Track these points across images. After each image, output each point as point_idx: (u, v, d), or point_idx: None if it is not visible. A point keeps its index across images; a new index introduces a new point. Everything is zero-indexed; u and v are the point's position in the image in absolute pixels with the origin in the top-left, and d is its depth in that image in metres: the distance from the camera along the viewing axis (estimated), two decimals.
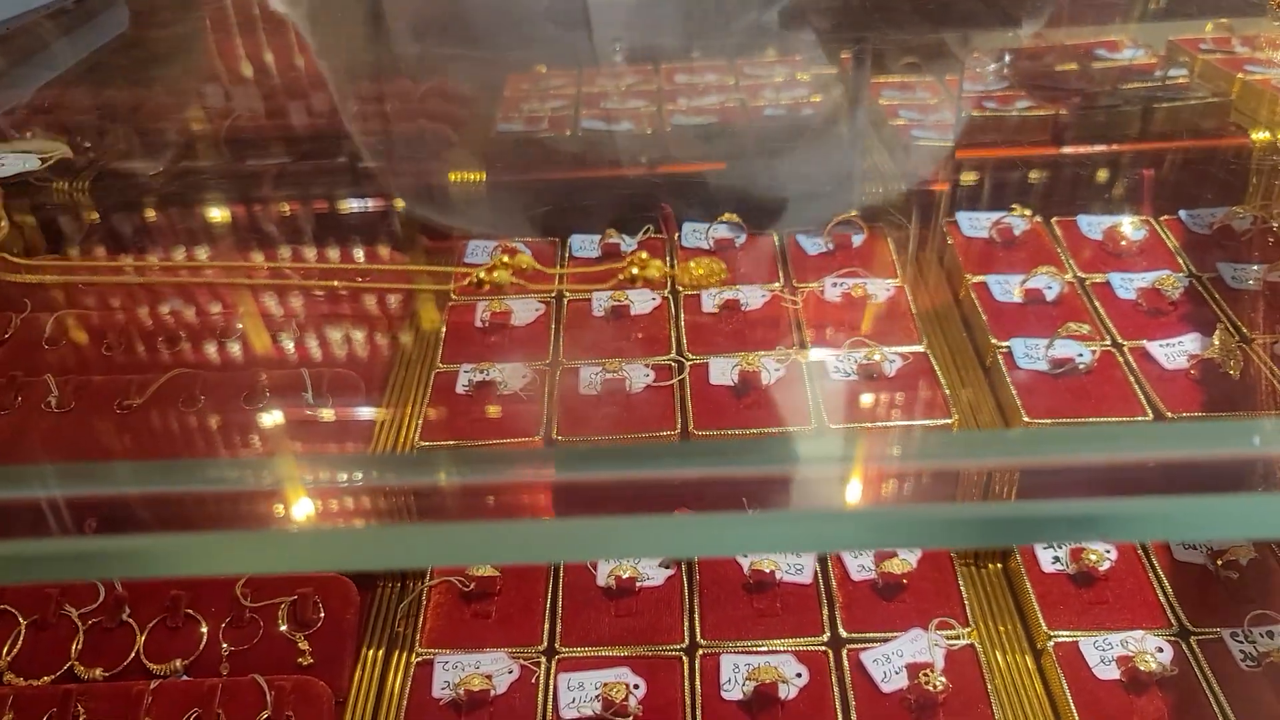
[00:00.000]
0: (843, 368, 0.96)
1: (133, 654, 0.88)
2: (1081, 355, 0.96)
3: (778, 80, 1.52)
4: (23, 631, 0.89)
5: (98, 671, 0.87)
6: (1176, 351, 0.97)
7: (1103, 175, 1.26)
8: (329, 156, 1.37)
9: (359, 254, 1.20)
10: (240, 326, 1.07)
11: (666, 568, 0.92)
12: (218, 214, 1.32)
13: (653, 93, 1.53)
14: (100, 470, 0.75)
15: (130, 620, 0.90)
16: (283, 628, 0.89)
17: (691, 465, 0.80)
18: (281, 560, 0.69)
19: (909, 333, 1.01)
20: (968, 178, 1.25)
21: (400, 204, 1.30)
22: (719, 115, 1.43)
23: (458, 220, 1.31)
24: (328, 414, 0.97)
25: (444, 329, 1.05)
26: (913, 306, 1.05)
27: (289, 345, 1.05)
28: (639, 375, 0.97)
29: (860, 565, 0.91)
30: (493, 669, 0.84)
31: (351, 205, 1.29)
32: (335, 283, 1.13)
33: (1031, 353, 0.97)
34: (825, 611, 0.88)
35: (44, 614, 0.90)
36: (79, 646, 0.88)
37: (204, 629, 0.89)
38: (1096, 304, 1.04)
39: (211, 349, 1.05)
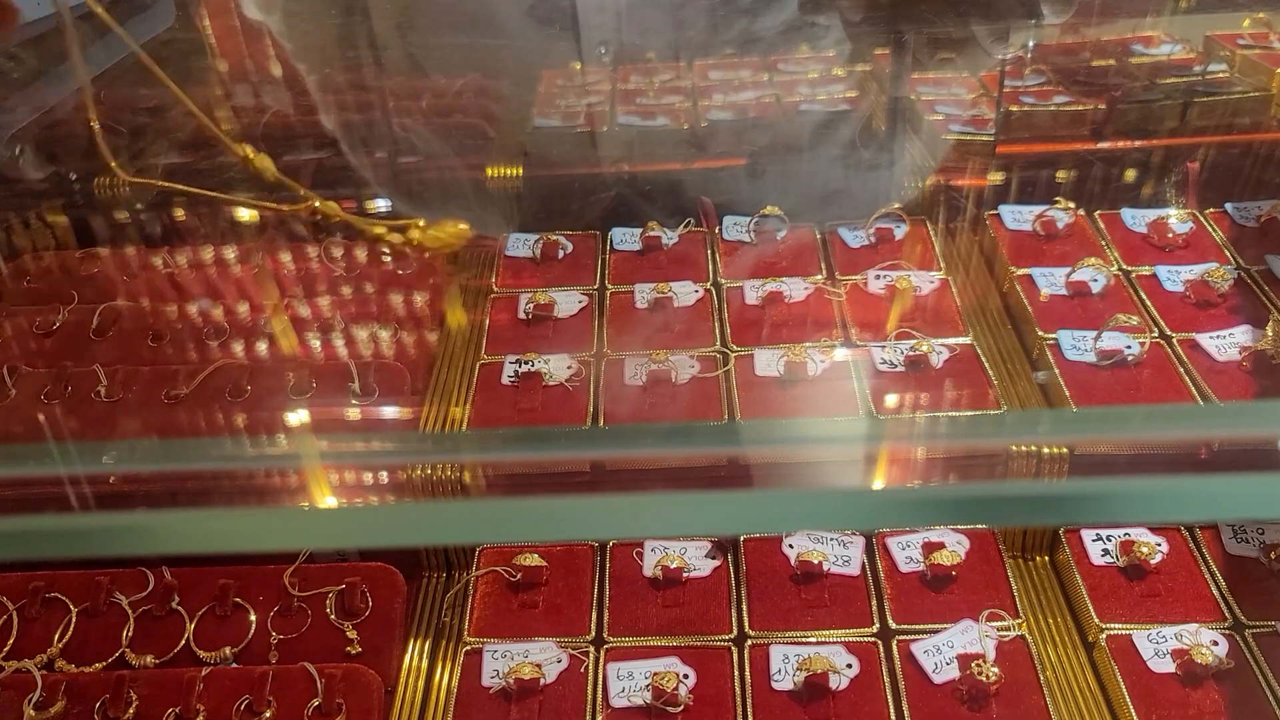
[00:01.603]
0: (889, 359, 0.96)
1: (183, 641, 0.88)
2: (1130, 347, 0.95)
3: (812, 76, 1.52)
4: (74, 619, 0.90)
5: (149, 658, 0.87)
6: (1227, 344, 0.96)
7: (1145, 169, 1.25)
8: (363, 151, 1.38)
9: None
10: (285, 320, 1.08)
11: (714, 559, 0.92)
12: (252, 210, 1.33)
13: (686, 89, 1.53)
14: (140, 449, 0.76)
15: (180, 608, 0.90)
16: (331, 617, 0.89)
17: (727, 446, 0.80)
18: (336, 535, 0.69)
19: (954, 325, 1.01)
20: (1008, 172, 1.24)
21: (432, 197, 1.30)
22: (754, 110, 1.43)
23: (496, 214, 1.31)
24: (373, 405, 0.97)
25: (486, 321, 1.05)
26: (957, 299, 1.04)
27: (333, 338, 1.05)
28: (684, 366, 0.96)
29: (908, 557, 0.91)
30: (541, 658, 0.84)
31: (383, 202, 1.30)
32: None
33: (1079, 344, 0.97)
34: (874, 603, 0.88)
35: (94, 602, 0.90)
36: (129, 634, 0.89)
37: (253, 617, 0.89)
38: (1143, 296, 1.03)
39: (258, 343, 1.06)
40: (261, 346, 1.06)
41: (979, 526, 0.92)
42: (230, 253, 1.21)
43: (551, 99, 1.51)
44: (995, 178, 1.25)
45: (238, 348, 1.06)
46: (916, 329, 0.99)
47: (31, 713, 0.81)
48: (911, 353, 0.95)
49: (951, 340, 0.97)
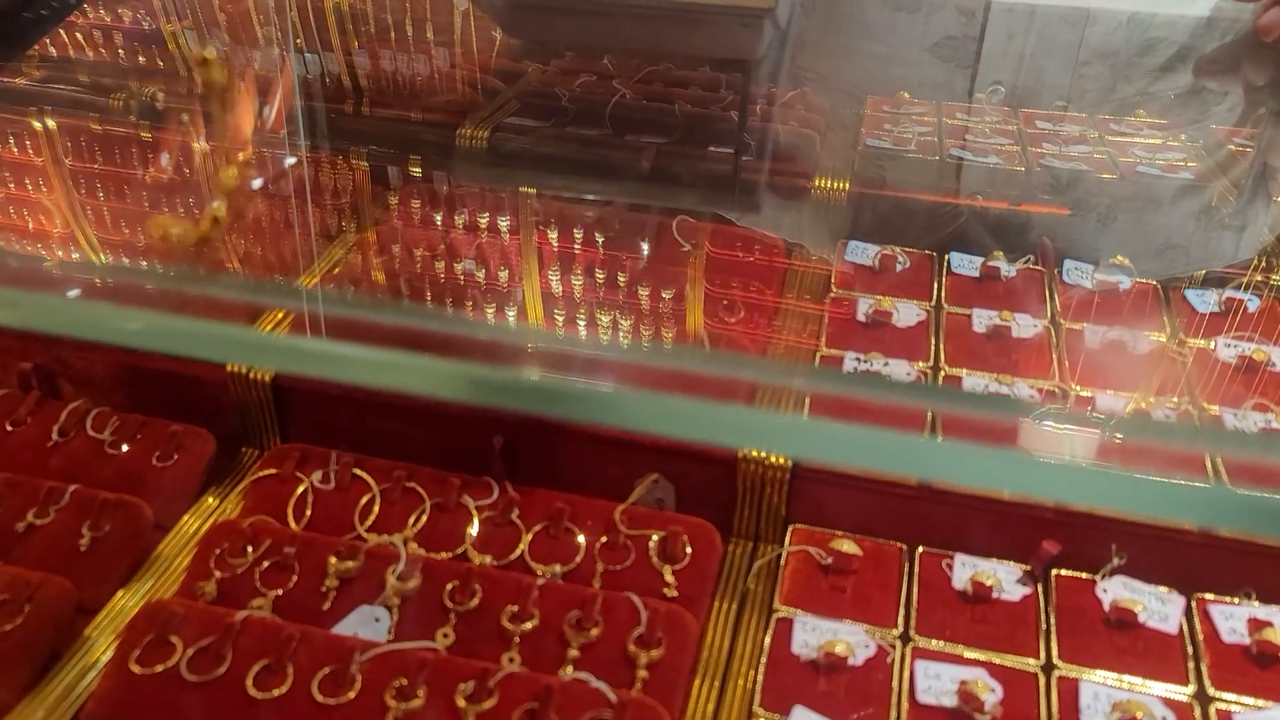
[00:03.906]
0: (1241, 428, 0.94)
1: (518, 551, 0.96)
2: None
3: (1152, 141, 1.50)
4: (427, 510, 0.99)
5: (488, 559, 0.96)
6: None
7: None
8: (701, 145, 1.45)
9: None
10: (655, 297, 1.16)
11: (1024, 586, 0.93)
12: (594, 183, 1.42)
13: (1014, 133, 1.54)
14: None
15: (518, 521, 0.98)
16: (652, 559, 0.95)
17: None
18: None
19: None
20: None
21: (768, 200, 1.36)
22: (1089, 164, 1.43)
23: (822, 223, 1.36)
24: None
25: (825, 318, 1.10)
26: None
27: (687, 314, 1.12)
28: (1024, 394, 0.98)
29: (1231, 629, 0.89)
30: (851, 640, 0.88)
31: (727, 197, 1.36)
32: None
33: None
34: (1191, 664, 0.86)
35: (445, 499, 0.99)
36: (473, 533, 0.98)
37: (581, 541, 0.96)
38: None
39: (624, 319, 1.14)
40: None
41: None
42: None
43: (880, 122, 1.55)
44: None
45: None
46: (1274, 403, 0.97)
47: (394, 582, 0.91)
48: (1267, 425, 0.94)
49: None
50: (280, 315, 1.11)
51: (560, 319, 1.19)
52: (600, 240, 1.25)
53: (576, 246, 1.27)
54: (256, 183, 1.12)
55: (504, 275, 1.25)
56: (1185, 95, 1.38)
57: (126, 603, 0.91)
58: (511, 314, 1.21)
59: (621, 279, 1.20)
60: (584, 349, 1.01)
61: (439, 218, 1.34)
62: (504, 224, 1.34)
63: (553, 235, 1.27)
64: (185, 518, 1.02)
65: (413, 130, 1.52)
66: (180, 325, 0.65)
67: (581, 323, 1.19)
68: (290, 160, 1.29)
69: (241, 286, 1.02)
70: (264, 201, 1.33)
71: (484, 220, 1.34)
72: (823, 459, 0.94)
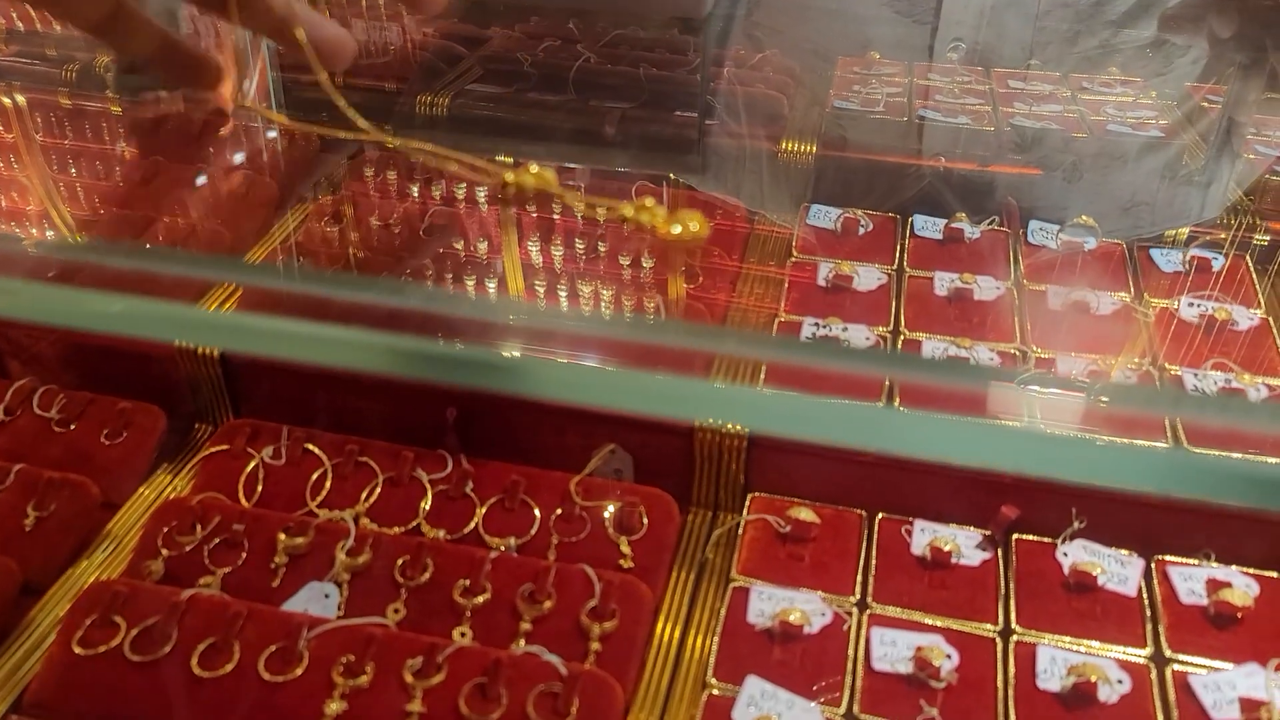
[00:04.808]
0: (1201, 388, 0.93)
1: (472, 525, 0.95)
2: None
3: (1123, 99, 1.48)
4: (379, 484, 0.98)
5: (441, 533, 0.94)
6: None
7: None
8: (668, 109, 1.42)
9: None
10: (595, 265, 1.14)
11: (984, 550, 0.92)
12: (557, 149, 1.39)
13: (985, 93, 1.51)
14: None
15: (472, 494, 0.97)
16: (609, 530, 0.94)
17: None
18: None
19: (1274, 366, 0.97)
20: None
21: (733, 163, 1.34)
22: (1059, 123, 1.41)
23: (786, 187, 1.33)
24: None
25: (786, 282, 1.08)
26: (1278, 341, 1.00)
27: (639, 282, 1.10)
28: (984, 358, 0.97)
29: (1190, 589, 0.88)
30: (807, 608, 0.87)
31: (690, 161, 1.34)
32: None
33: None
34: (1149, 626, 0.86)
35: (399, 473, 0.98)
36: (427, 508, 0.96)
37: (537, 514, 0.95)
38: None
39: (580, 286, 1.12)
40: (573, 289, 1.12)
41: (1271, 574, 0.89)
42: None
43: (849, 83, 1.52)
44: None
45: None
46: (1234, 363, 0.95)
47: (344, 558, 0.89)
48: (1227, 385, 0.92)
49: (1272, 380, 0.94)
50: (231, 287, 1.09)
51: (522, 287, 1.17)
52: (558, 208, 1.23)
53: (544, 215, 1.24)
54: None
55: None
56: (1148, 47, 1.36)
57: (74, 583, 0.90)
58: (474, 282, 1.19)
59: (579, 245, 1.18)
60: (539, 318, 0.99)
61: (413, 188, 1.32)
62: (460, 192, 1.31)
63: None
64: (140, 492, 1.00)
65: (372, 97, 1.50)
66: (130, 306, 0.63)
67: (540, 289, 1.16)
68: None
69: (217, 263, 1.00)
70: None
71: (441, 190, 1.32)
72: (778, 431, 0.92)
